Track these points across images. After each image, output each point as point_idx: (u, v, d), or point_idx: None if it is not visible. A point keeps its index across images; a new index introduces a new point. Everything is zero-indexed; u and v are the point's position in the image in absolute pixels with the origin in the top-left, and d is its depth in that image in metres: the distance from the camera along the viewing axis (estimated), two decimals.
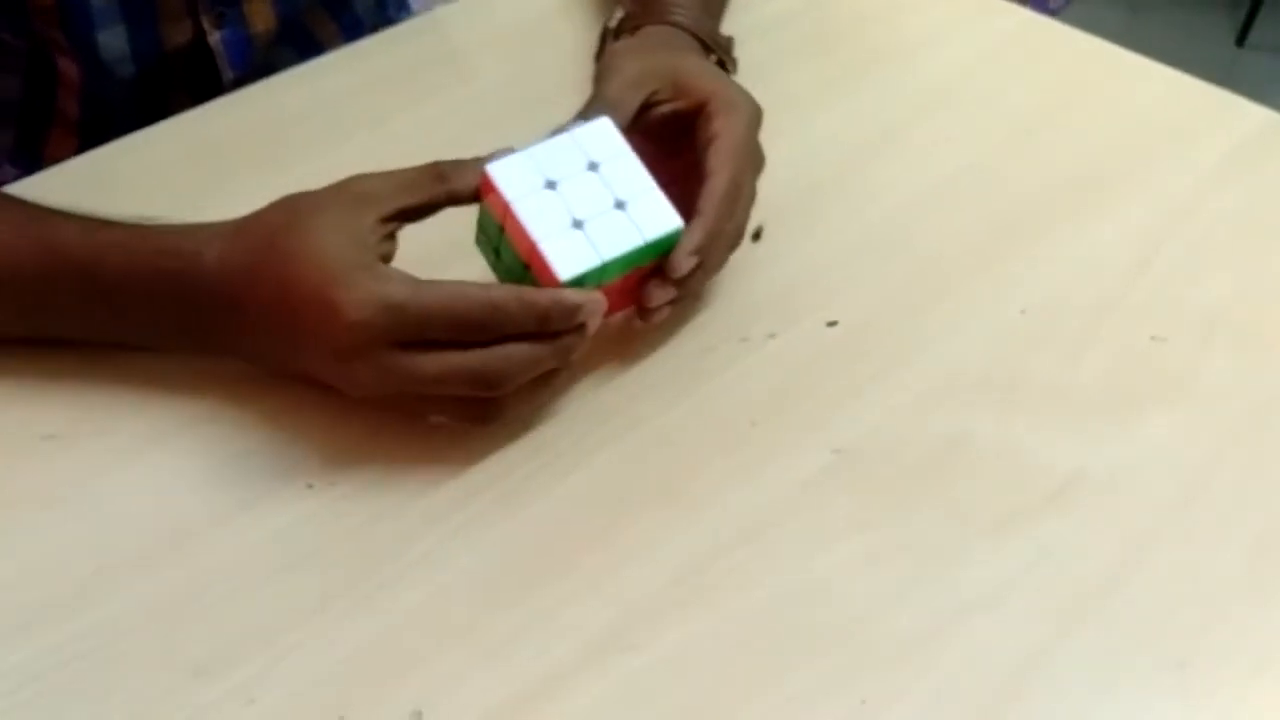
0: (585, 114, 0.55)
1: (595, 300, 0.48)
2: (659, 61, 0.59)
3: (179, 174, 0.64)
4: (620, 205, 0.50)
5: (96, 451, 0.51)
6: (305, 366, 0.50)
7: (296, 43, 0.78)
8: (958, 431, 0.53)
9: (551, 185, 0.49)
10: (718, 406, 0.54)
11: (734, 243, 0.56)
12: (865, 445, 0.52)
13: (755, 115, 0.57)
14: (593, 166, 0.50)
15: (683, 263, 0.51)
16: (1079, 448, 0.52)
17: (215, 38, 0.73)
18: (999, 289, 0.59)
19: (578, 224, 0.49)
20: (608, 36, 0.66)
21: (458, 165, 0.50)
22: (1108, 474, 0.51)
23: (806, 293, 0.59)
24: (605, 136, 0.51)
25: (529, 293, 0.47)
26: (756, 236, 0.61)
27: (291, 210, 0.49)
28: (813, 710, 0.44)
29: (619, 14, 0.67)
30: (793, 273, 0.60)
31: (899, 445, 0.52)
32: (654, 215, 0.50)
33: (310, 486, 0.50)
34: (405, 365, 0.47)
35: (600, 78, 0.58)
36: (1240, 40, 2.31)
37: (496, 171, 0.49)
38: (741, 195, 0.55)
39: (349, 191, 0.49)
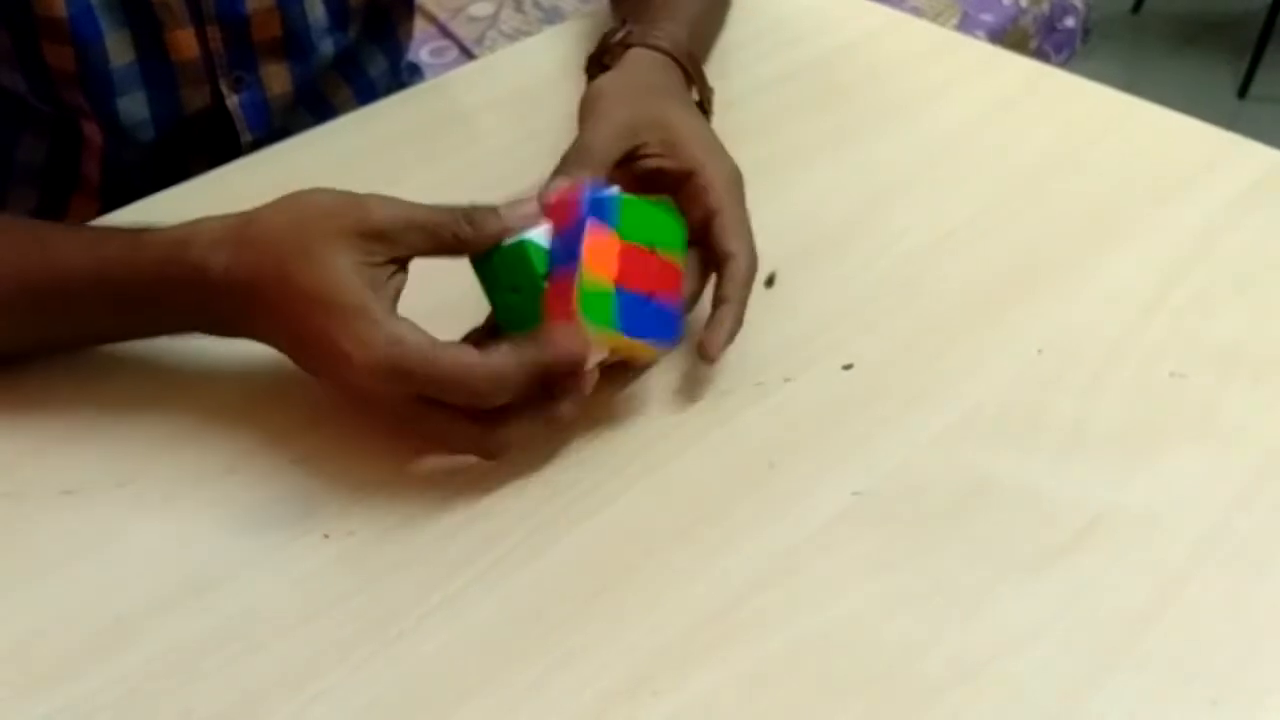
0: (569, 157, 0.56)
1: (596, 343, 0.49)
2: (648, 112, 0.59)
3: None
4: None
5: (114, 505, 0.51)
6: (315, 373, 0.51)
7: (312, 106, 0.79)
8: (979, 471, 0.52)
9: None
10: (735, 450, 0.53)
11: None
12: (885, 487, 0.52)
13: (741, 185, 0.58)
14: None
15: (719, 346, 0.54)
16: (1103, 485, 0.52)
17: (234, 102, 0.74)
18: (1015, 329, 0.59)
19: None
20: (604, 53, 0.65)
21: (485, 213, 0.50)
22: (1134, 511, 0.51)
23: (821, 337, 0.59)
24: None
25: (528, 354, 0.48)
26: (770, 283, 0.61)
27: (299, 228, 0.49)
28: None
29: (618, 31, 0.66)
30: (807, 318, 0.60)
31: (919, 486, 0.52)
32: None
33: (326, 536, 0.49)
34: (410, 411, 0.49)
35: (586, 119, 0.58)
36: (1242, 92, 2.33)
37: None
38: (755, 267, 0.56)
39: (364, 225, 0.49)
